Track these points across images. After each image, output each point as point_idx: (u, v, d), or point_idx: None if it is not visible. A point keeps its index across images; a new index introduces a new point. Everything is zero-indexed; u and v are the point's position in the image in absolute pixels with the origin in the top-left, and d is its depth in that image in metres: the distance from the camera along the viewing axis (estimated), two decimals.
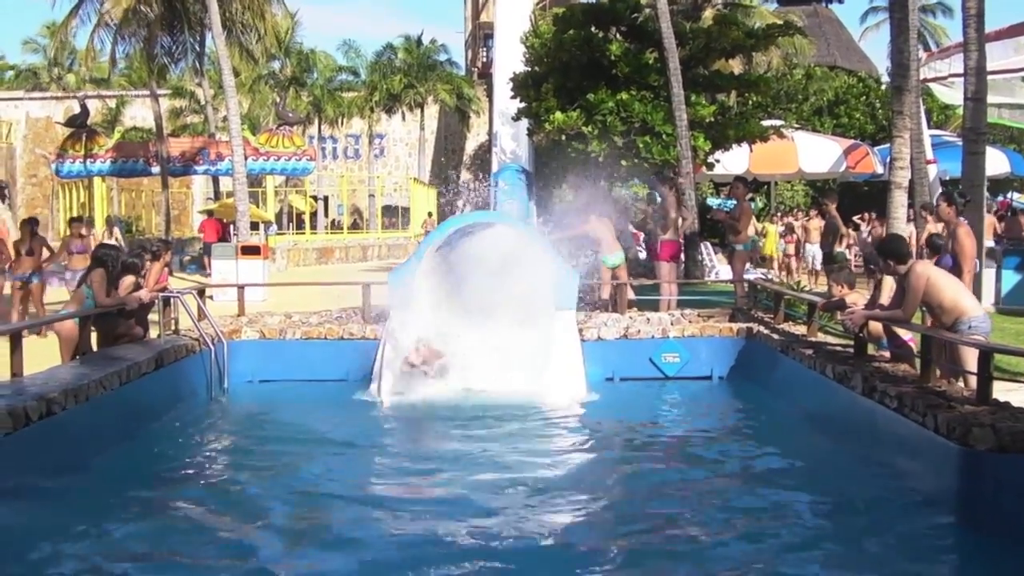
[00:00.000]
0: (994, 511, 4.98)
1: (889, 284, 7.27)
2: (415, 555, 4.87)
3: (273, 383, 9.71)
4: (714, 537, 5.26)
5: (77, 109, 28.64)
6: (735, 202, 13.57)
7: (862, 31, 46.76)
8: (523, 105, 17.26)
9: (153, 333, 9.06)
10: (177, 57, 28.34)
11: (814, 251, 18.64)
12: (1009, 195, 28.22)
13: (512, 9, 23.68)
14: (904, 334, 7.39)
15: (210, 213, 28.36)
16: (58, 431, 6.02)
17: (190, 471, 6.80)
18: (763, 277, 15.69)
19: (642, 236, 15.43)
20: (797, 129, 24.22)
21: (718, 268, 17.41)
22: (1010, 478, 4.90)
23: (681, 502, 6.08)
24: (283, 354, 9.77)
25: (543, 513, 5.63)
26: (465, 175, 39.33)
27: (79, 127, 27.13)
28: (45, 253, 12.38)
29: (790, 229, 20.97)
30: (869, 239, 19.21)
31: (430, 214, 32.87)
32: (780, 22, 21.32)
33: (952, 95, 19.95)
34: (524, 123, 18.19)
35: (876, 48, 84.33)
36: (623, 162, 15.54)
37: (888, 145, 13.26)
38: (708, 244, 18.44)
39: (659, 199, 13.74)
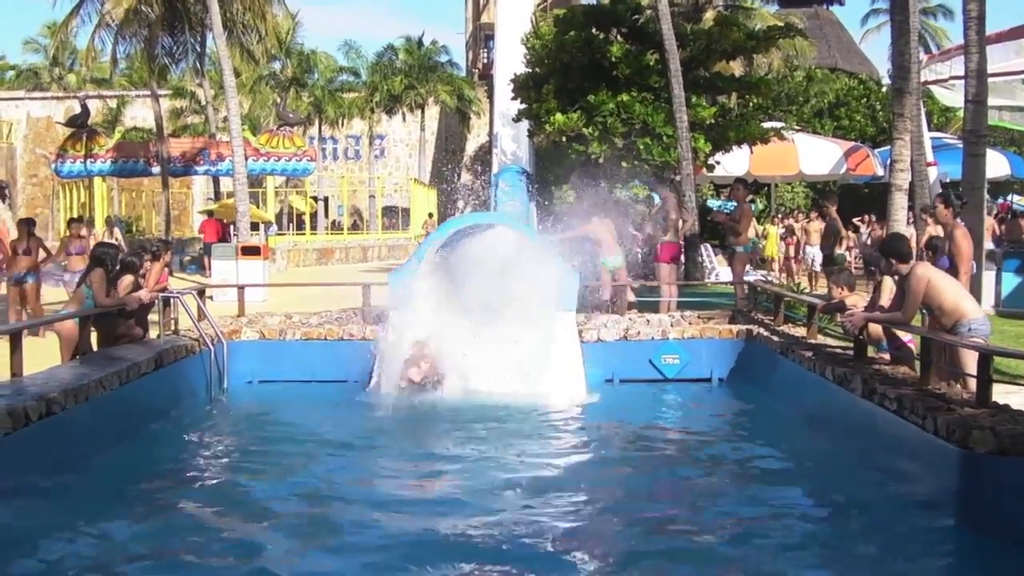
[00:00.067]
0: (994, 513, 4.98)
1: (889, 286, 7.27)
2: (415, 555, 4.87)
3: (273, 384, 9.70)
4: (714, 538, 5.27)
5: (78, 109, 28.67)
6: (735, 204, 13.58)
7: (863, 33, 46.76)
8: (524, 106, 17.26)
9: (153, 333, 9.05)
10: (178, 57, 28.36)
11: (814, 253, 18.64)
12: (1009, 197, 28.22)
13: (513, 10, 23.69)
14: (904, 336, 7.39)
15: (210, 213, 28.37)
16: (58, 431, 6.03)
17: (190, 471, 6.80)
18: (763, 279, 15.69)
19: (640, 237, 15.43)
20: (798, 131, 24.22)
21: (718, 270, 17.41)
22: (1010, 481, 4.89)
23: (681, 503, 6.09)
24: (283, 355, 9.76)
25: (543, 514, 5.63)
26: (466, 176, 39.35)
27: (80, 127, 27.16)
28: (41, 254, 12.36)
29: (790, 231, 20.97)
30: (869, 241, 19.24)
31: (431, 215, 32.89)
32: (781, 24, 21.29)
33: (953, 97, 19.99)
34: (525, 124, 18.19)
35: (877, 50, 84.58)
36: (623, 163, 15.54)
37: (888, 147, 13.27)
38: (708, 246, 18.45)
39: (657, 201, 13.74)
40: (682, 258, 13.55)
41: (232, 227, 22.93)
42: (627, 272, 12.69)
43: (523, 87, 17.30)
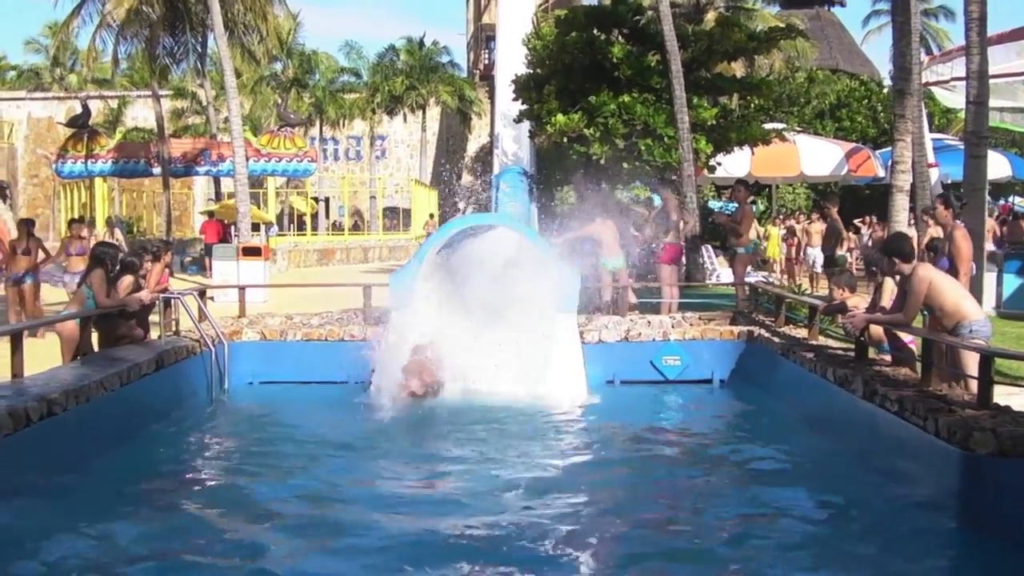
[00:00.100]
0: (995, 515, 4.98)
1: (890, 287, 7.27)
2: (416, 556, 4.87)
3: (274, 384, 9.70)
4: (714, 539, 5.27)
5: (79, 109, 28.67)
6: (736, 205, 13.57)
7: (864, 34, 46.67)
8: (525, 107, 17.27)
9: (154, 334, 9.05)
10: (179, 58, 28.34)
11: (815, 254, 18.64)
12: (1010, 199, 28.25)
13: (514, 11, 23.72)
14: (905, 337, 7.39)
15: (211, 214, 28.39)
16: (59, 432, 6.03)
17: (190, 472, 6.81)
18: (764, 280, 15.68)
19: (640, 238, 15.43)
20: (799, 132, 24.22)
21: (719, 271, 17.40)
22: (1011, 482, 4.89)
23: (681, 504, 6.09)
24: (284, 355, 9.76)
25: (543, 515, 5.63)
26: (467, 177, 39.37)
27: (81, 127, 27.15)
28: (40, 254, 12.36)
29: (791, 232, 20.96)
30: (870, 243, 19.22)
31: (432, 216, 32.90)
32: (782, 25, 21.32)
33: (954, 99, 20.00)
34: (526, 125, 18.21)
35: (878, 51, 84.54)
36: (624, 164, 15.55)
37: (890, 148, 13.27)
38: (709, 247, 18.44)
39: (657, 202, 13.74)
40: (683, 259, 13.55)
41: (233, 228, 22.93)
42: (627, 273, 12.68)
43: (524, 88, 17.31)
